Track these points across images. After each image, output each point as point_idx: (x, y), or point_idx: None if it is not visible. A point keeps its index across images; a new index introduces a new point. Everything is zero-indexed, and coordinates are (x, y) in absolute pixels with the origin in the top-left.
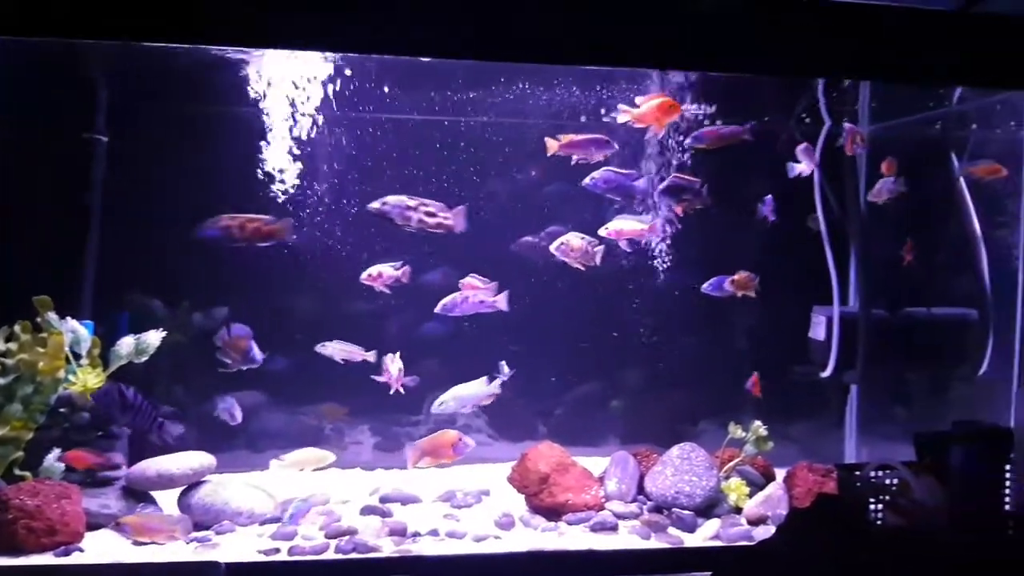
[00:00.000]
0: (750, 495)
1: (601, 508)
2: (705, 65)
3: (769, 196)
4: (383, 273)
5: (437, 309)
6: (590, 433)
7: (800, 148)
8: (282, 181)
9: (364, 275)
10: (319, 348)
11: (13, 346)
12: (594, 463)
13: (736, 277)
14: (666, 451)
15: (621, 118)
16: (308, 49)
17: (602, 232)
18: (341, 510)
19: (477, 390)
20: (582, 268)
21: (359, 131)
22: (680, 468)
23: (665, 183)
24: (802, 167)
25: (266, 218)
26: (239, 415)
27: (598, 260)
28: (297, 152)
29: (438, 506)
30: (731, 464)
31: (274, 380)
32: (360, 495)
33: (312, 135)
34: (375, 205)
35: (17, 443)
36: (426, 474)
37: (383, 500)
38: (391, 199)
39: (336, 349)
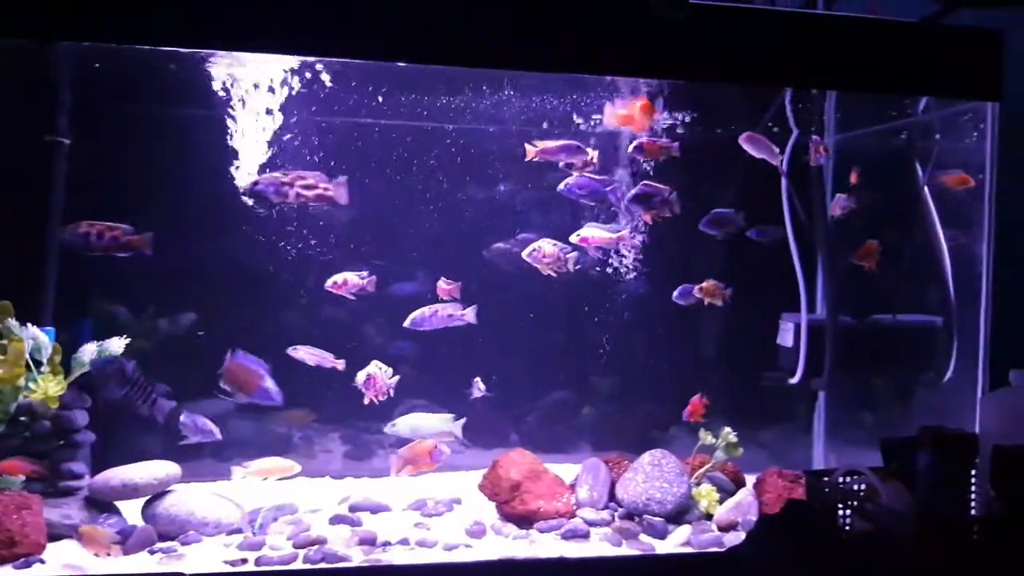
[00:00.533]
0: (720, 501)
1: (572, 516)
2: (675, 73)
3: (715, 209)
4: (348, 281)
5: (406, 324)
6: (562, 440)
7: (742, 137)
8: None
9: (329, 282)
10: (291, 351)
11: None
12: (566, 470)
13: (704, 285)
14: (637, 458)
15: (607, 119)
16: (278, 52)
17: (573, 239)
18: (310, 519)
19: (436, 425)
20: (554, 275)
21: (330, 135)
22: (651, 475)
23: (634, 191)
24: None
25: (125, 227)
26: (211, 428)
27: (571, 267)
28: (267, 155)
29: (408, 515)
30: (702, 470)
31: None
32: (329, 504)
33: (282, 138)
34: (245, 185)
35: None
36: (396, 483)
37: (352, 509)
38: (263, 177)
39: (307, 354)
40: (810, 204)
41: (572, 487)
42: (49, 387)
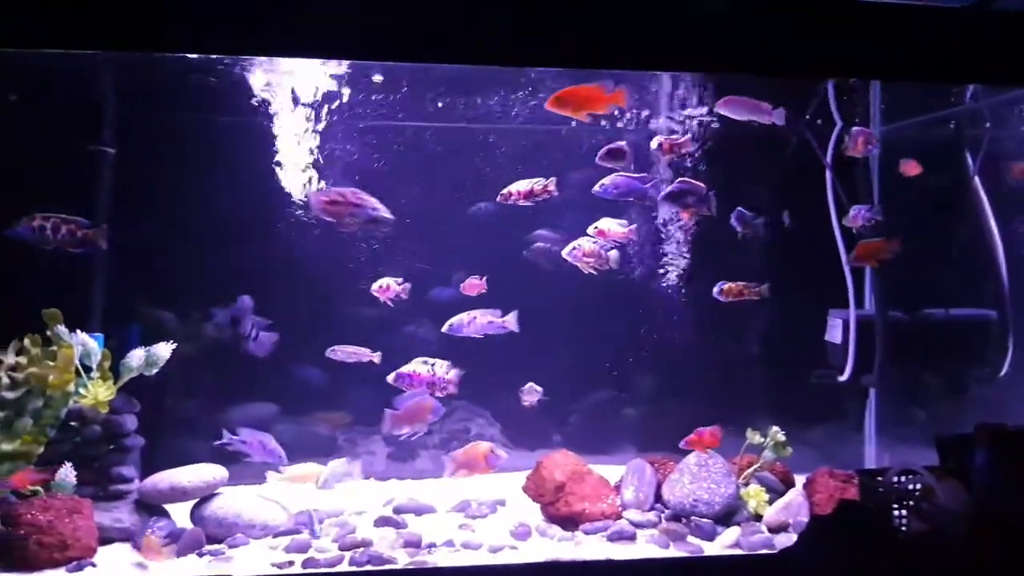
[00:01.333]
0: (770, 502)
1: (618, 517)
2: (717, 66)
3: (740, 208)
4: (390, 287)
5: (444, 329)
6: (604, 441)
7: (720, 103)
8: (291, 189)
9: (375, 286)
10: (329, 353)
11: (23, 360)
12: (610, 471)
13: (727, 286)
14: (683, 458)
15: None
16: (303, 56)
17: (590, 231)
18: (355, 521)
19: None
20: (595, 272)
21: (367, 139)
22: (698, 475)
23: (668, 189)
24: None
25: (82, 221)
26: (279, 451)
27: (613, 264)
28: (307, 160)
29: (453, 516)
30: (749, 470)
31: (287, 389)
32: (374, 506)
33: (320, 144)
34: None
35: (28, 457)
36: (440, 484)
37: (397, 511)
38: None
39: (345, 354)
40: (856, 197)
41: (617, 488)
42: (99, 392)
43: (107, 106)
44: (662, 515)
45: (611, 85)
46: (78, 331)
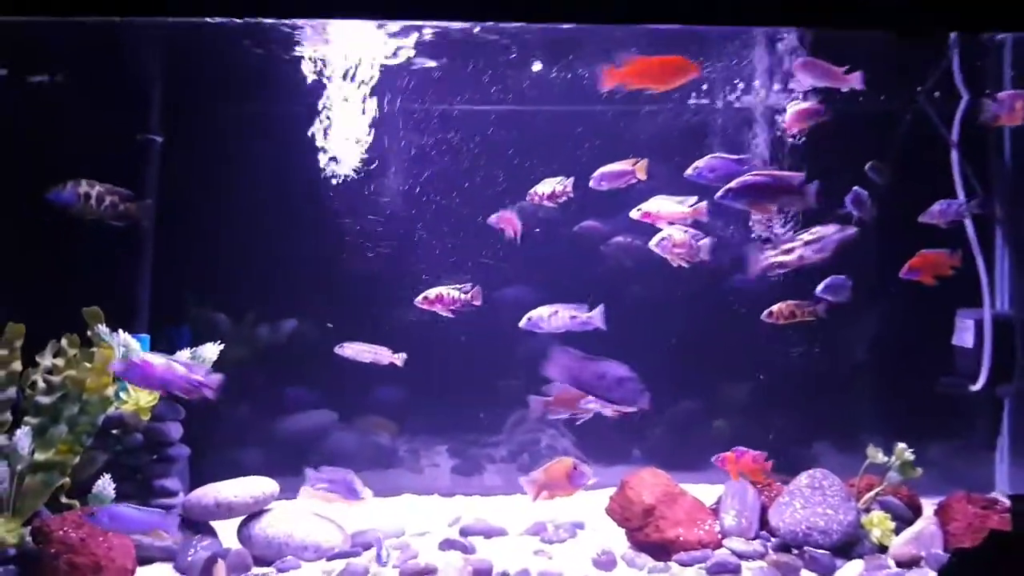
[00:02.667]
0: (896, 531)
1: (718, 546)
2: (814, 21)
3: (856, 188)
4: (444, 296)
5: (521, 324)
6: (692, 457)
7: (796, 64)
8: (351, 181)
9: (419, 299)
10: (338, 350)
11: (60, 362)
12: (700, 492)
13: (776, 308)
14: (790, 479)
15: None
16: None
17: (634, 215)
18: (418, 544)
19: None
20: (685, 265)
21: (428, 125)
22: (811, 499)
23: (739, 181)
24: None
25: (126, 192)
26: (357, 486)
27: (705, 255)
28: (368, 152)
29: (526, 540)
30: (870, 494)
31: (347, 397)
32: (439, 526)
33: (379, 132)
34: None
35: (63, 468)
36: (511, 503)
37: (464, 532)
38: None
39: (359, 350)
40: (988, 179)
41: (715, 512)
42: (141, 397)
43: (154, 92)
44: (768, 544)
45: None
46: (120, 331)
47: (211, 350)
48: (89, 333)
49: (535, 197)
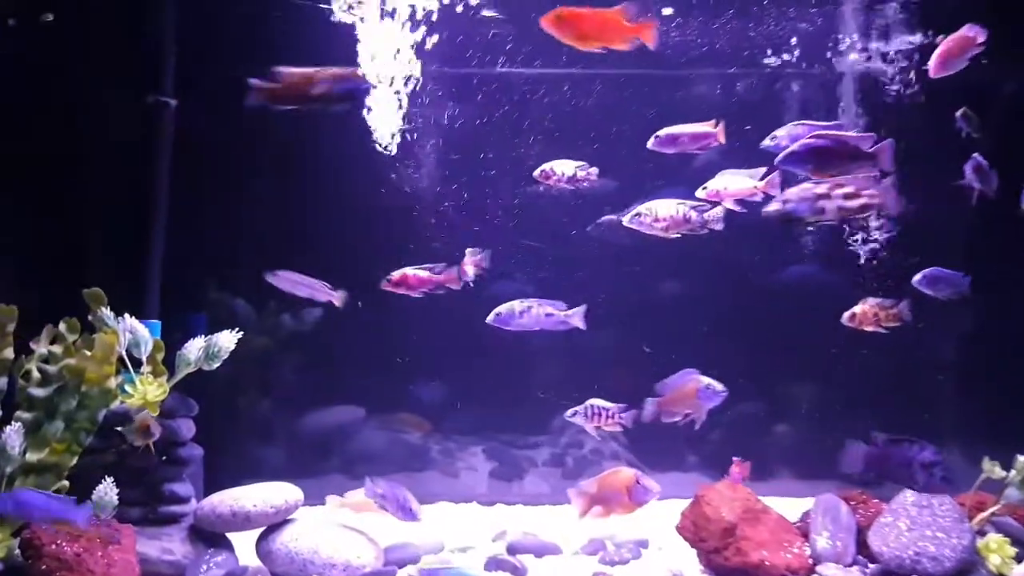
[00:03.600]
0: (1017, 559)
1: (809, 572)
2: None
3: (976, 156)
4: (410, 276)
5: (489, 319)
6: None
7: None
8: (385, 157)
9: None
10: (269, 277)
11: (57, 349)
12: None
13: (860, 310)
14: (880, 494)
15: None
16: None
17: (700, 193)
18: (460, 561)
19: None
20: (677, 237)
21: (462, 89)
22: (918, 520)
23: (799, 145)
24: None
25: (343, 72)
26: (413, 507)
27: (718, 225)
28: (402, 122)
29: (583, 560)
30: (984, 515)
31: (375, 393)
32: (482, 540)
33: (419, 98)
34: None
35: (58, 471)
36: (559, 514)
37: (512, 550)
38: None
39: (293, 281)
40: None
41: (803, 533)
42: (148, 391)
43: (169, 48)
44: (867, 572)
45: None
46: (126, 315)
47: (228, 338)
48: (91, 317)
49: (552, 177)
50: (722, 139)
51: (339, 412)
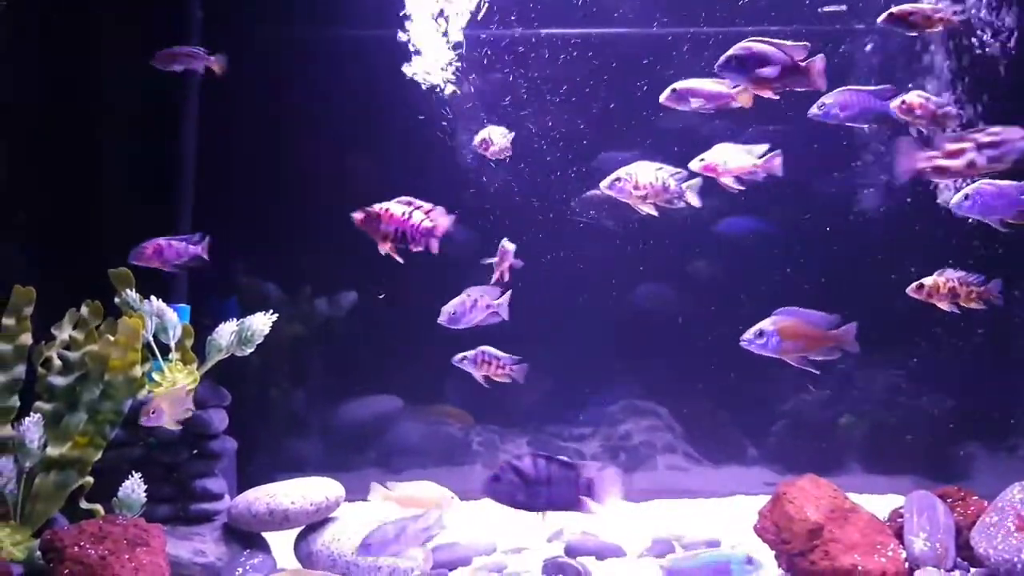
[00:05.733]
0: None
1: None
2: None
3: None
4: (382, 213)
5: (442, 319)
6: (818, 459)
7: None
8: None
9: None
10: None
11: (79, 334)
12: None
13: (931, 281)
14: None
15: None
16: None
17: (694, 165)
18: (515, 564)
19: (430, 497)
20: (655, 213)
21: (506, 52)
22: None
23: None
24: None
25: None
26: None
27: (691, 199)
28: (450, 91)
29: (649, 563)
30: None
31: (413, 382)
32: (536, 540)
33: (466, 62)
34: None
35: (81, 466)
36: (622, 510)
37: (570, 551)
38: None
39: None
40: None
41: (896, 534)
42: (178, 379)
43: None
44: (968, 575)
45: None
46: (153, 298)
47: (262, 321)
48: (116, 300)
49: (486, 145)
50: (744, 102)
51: (376, 402)
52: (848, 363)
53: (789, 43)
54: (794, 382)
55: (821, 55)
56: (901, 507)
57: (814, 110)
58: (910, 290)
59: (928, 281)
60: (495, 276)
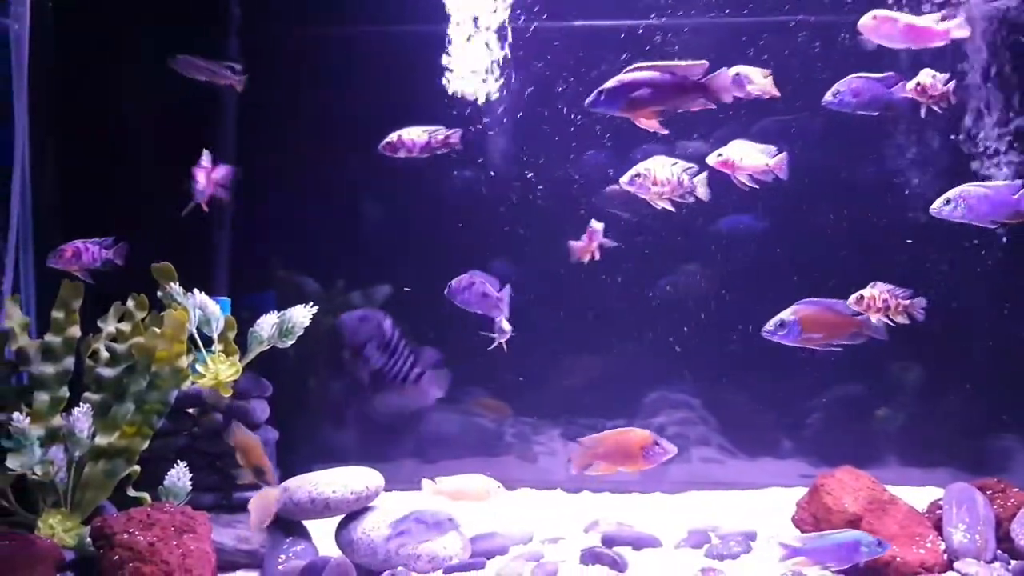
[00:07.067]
0: None
1: (945, 569)
2: None
3: None
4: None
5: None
6: (851, 450)
7: None
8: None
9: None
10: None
11: (125, 327)
12: None
13: (869, 293)
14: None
15: None
16: None
17: (711, 161)
18: (553, 555)
19: (479, 490)
20: (671, 208)
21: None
22: None
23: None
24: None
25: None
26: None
27: (701, 193)
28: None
29: (688, 554)
30: None
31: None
32: (573, 530)
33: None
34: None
35: (129, 455)
36: (652, 503)
37: (607, 542)
38: None
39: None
40: None
41: (935, 526)
42: (220, 370)
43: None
44: (1009, 568)
45: None
46: (196, 291)
47: (302, 313)
48: (160, 294)
49: (399, 147)
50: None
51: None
52: (884, 355)
53: (684, 63)
54: (830, 374)
55: (724, 69)
56: (940, 499)
57: (828, 97)
58: (851, 301)
59: (866, 293)
60: (585, 257)
